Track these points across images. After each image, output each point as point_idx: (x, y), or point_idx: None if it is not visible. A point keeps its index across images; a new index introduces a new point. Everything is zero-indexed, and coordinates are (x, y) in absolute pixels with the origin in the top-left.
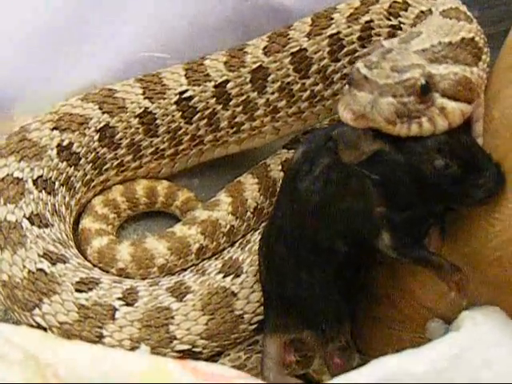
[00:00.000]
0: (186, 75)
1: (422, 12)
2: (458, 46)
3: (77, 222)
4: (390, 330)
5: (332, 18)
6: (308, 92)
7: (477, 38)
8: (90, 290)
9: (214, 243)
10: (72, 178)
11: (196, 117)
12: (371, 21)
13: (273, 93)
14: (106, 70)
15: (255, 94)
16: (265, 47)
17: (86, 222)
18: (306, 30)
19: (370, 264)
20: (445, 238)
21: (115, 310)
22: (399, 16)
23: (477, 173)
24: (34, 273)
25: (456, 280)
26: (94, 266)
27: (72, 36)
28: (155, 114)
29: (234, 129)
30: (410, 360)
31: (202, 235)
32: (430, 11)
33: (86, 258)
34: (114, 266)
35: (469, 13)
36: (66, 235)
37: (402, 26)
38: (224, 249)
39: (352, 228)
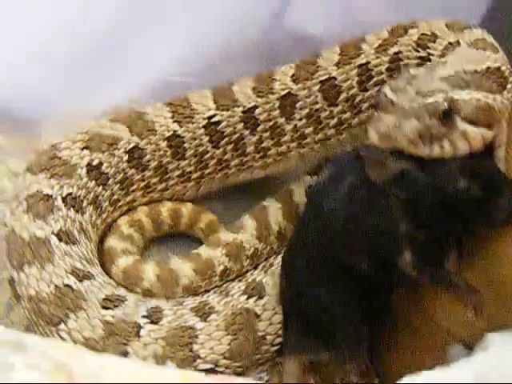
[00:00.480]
0: (214, 100)
1: (450, 43)
2: (482, 74)
3: (101, 240)
4: (411, 356)
5: (361, 48)
6: (335, 119)
7: (503, 68)
8: (116, 307)
9: (238, 265)
10: (100, 197)
11: (223, 141)
12: (400, 52)
13: (301, 119)
14: (134, 92)
15: (283, 119)
16: (293, 74)
17: (112, 241)
18: (334, 58)
19: (391, 288)
20: (462, 261)
21: (140, 327)
22: (428, 48)
23: (497, 195)
24: (61, 288)
25: (473, 301)
26: (119, 284)
27: (102, 59)
28: (183, 137)
29: (261, 154)
30: (436, 378)
31: (227, 257)
32: (458, 42)
33: (110, 277)
34: (139, 285)
35: (496, 43)
36: (92, 253)
37: (430, 57)
38: (247, 271)
39: (375, 246)
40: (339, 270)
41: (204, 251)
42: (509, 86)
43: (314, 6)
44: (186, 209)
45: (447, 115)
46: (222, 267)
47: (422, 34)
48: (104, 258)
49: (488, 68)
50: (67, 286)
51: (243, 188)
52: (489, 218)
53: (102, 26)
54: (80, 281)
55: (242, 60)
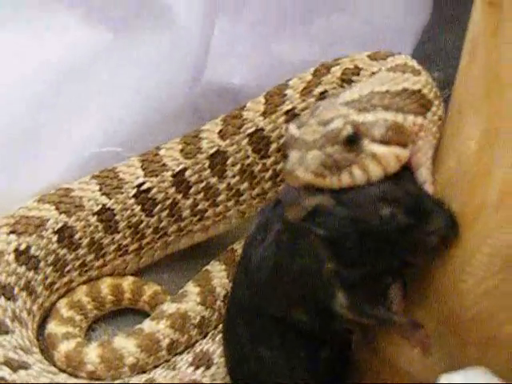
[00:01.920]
0: (142, 167)
1: (373, 73)
2: (396, 95)
3: (43, 325)
4: None
5: (285, 95)
6: (270, 171)
7: (424, 91)
8: None
9: (186, 336)
10: (32, 282)
11: (157, 208)
12: (325, 91)
13: (234, 176)
14: (63, 169)
15: (215, 179)
16: (220, 131)
17: (52, 327)
18: (260, 109)
19: (346, 339)
20: (408, 298)
21: None
22: (352, 81)
23: (426, 218)
24: None
25: (418, 337)
26: (64, 371)
27: (25, 140)
28: (113, 209)
29: (198, 216)
30: None
31: (172, 329)
32: (380, 70)
33: (54, 364)
34: (83, 370)
35: (419, 67)
36: (29, 341)
37: None
38: (197, 341)
39: (306, 292)
40: (276, 325)
41: (147, 326)
42: (433, 108)
43: (234, 56)
44: (127, 283)
45: (351, 140)
46: (167, 340)
47: (345, 69)
48: (47, 345)
49: (405, 89)
50: (1, 378)
51: (189, 254)
52: (422, 244)
53: (23, 108)
54: (15, 371)
55: (168, 123)
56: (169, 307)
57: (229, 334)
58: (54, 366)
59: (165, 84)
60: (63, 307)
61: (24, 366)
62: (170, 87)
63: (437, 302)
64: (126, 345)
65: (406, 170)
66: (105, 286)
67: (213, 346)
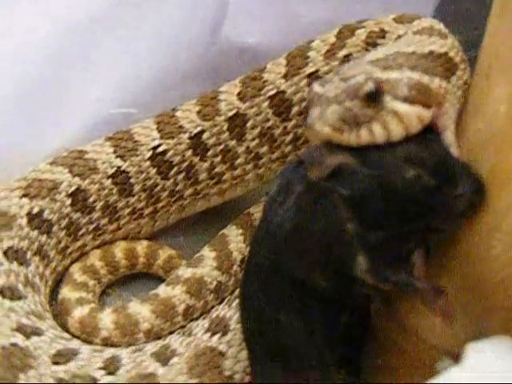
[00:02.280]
0: (157, 128)
1: (399, 36)
2: (422, 57)
3: (56, 290)
4: (400, 377)
5: (308, 57)
6: (291, 135)
7: (451, 54)
8: (68, 361)
9: (202, 302)
10: (45, 247)
11: (173, 171)
12: (349, 54)
13: (253, 139)
14: (75, 131)
15: (234, 142)
16: (239, 93)
17: (65, 292)
18: (281, 71)
19: (359, 303)
20: (431, 264)
21: (96, 380)
22: (378, 45)
23: (453, 183)
24: (7, 348)
25: (440, 304)
26: (77, 337)
27: (38, 101)
28: (128, 172)
29: (215, 180)
30: None
31: (188, 294)
32: (406, 33)
33: (67, 330)
34: (97, 336)
35: (445, 30)
36: (42, 306)
37: None
38: (213, 307)
39: (326, 254)
40: (295, 288)
41: (163, 291)
42: (459, 72)
43: (252, 16)
44: (142, 247)
45: (372, 95)
46: (183, 306)
47: (371, 32)
48: (60, 310)
49: (431, 52)
50: (14, 344)
51: (205, 217)
52: (447, 208)
53: (36, 68)
54: (28, 337)
55: (185, 83)
56: (184, 272)
57: (246, 299)
58: (68, 332)
59: (182, 44)
60: (76, 272)
61: (37, 332)
62: (187, 47)
63: (462, 267)
64: (141, 310)
65: (432, 133)
66: (119, 250)
67: (229, 311)
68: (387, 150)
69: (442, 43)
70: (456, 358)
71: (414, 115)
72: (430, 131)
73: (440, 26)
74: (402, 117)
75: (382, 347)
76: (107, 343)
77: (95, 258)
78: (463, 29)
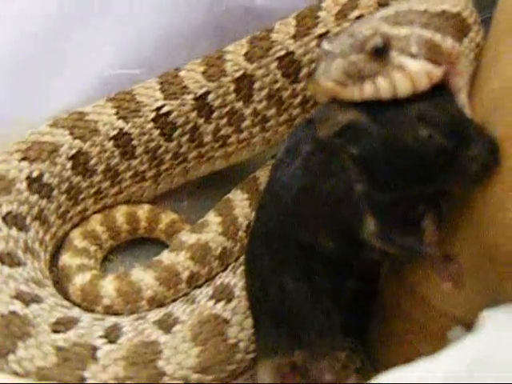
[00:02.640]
0: (161, 89)
1: None
2: (435, 15)
3: (56, 256)
4: (409, 345)
5: (318, 17)
6: (300, 97)
7: (464, 14)
8: (68, 329)
9: (206, 268)
10: (45, 211)
11: (176, 133)
12: (361, 15)
13: (260, 101)
14: (78, 93)
15: (240, 103)
16: (246, 53)
17: (66, 258)
18: (290, 31)
19: (366, 268)
20: (442, 228)
21: (96, 349)
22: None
23: (466, 143)
24: (6, 316)
25: (450, 270)
26: (78, 305)
27: (39, 65)
28: (131, 134)
29: (220, 142)
30: (425, 370)
31: (192, 261)
32: None
33: (69, 297)
34: (99, 304)
35: None
36: (41, 273)
37: None
38: (218, 273)
39: (334, 215)
40: (301, 252)
41: (166, 257)
42: (471, 34)
43: None
44: (143, 211)
45: (379, 50)
46: (187, 273)
47: None
48: (60, 277)
49: (444, 11)
50: (13, 312)
51: (210, 181)
52: (460, 170)
53: (36, 29)
54: (27, 305)
55: (190, 43)
56: (188, 238)
57: (251, 264)
58: (68, 299)
59: (185, 2)
60: (77, 237)
61: (36, 300)
62: (190, 6)
63: (476, 232)
64: (144, 277)
65: (447, 93)
66: (120, 214)
67: (234, 278)
68: (400, 109)
69: (455, 2)
70: (469, 326)
71: (423, 71)
72: (444, 92)
73: None
74: (410, 72)
75: (390, 314)
76: (109, 311)
77: (96, 223)
78: None
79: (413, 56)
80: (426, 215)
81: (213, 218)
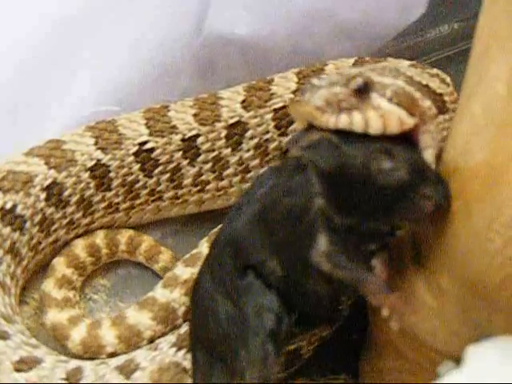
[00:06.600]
0: (146, 125)
1: None
2: (419, 83)
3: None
4: (399, 381)
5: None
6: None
7: (446, 98)
8: (31, 369)
9: None
10: (17, 244)
11: (157, 170)
12: None
13: (248, 150)
14: (58, 130)
15: (228, 150)
16: (243, 101)
17: (52, 316)
18: (291, 86)
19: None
20: (389, 267)
21: None
22: None
23: (424, 183)
24: None
25: (390, 302)
26: (80, 357)
27: (19, 101)
28: (109, 166)
29: (198, 187)
30: None
31: (187, 296)
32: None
33: (68, 352)
34: (102, 353)
35: (449, 80)
36: (11, 309)
37: None
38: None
39: (288, 233)
40: (246, 277)
41: (161, 294)
42: (446, 116)
43: (239, 3)
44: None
45: (361, 89)
46: (183, 308)
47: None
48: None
49: (428, 86)
50: None
51: (197, 217)
52: (415, 208)
53: (16, 67)
54: None
55: (170, 78)
56: (182, 272)
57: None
58: (69, 354)
59: (164, 36)
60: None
61: (4, 336)
62: (170, 39)
63: (461, 264)
64: (141, 319)
65: (414, 146)
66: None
67: None
68: (370, 141)
69: (441, 86)
70: (458, 361)
71: (396, 115)
72: (412, 144)
73: (445, 76)
74: (384, 113)
75: (380, 350)
76: (113, 356)
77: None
78: (463, 17)
79: (390, 101)
80: (377, 255)
81: (206, 250)
